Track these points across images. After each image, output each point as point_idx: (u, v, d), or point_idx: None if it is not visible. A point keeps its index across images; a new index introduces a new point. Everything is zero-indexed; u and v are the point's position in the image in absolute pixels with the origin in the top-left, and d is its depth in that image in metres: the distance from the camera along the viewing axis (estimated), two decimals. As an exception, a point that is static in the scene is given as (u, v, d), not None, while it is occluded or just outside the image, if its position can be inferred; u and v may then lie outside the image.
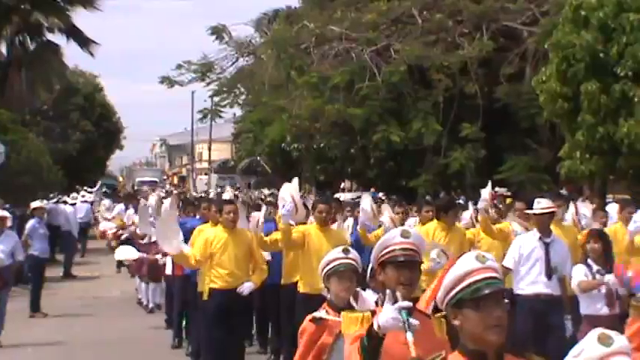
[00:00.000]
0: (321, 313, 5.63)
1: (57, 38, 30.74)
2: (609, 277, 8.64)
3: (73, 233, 25.10)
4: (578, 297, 8.85)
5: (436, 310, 4.32)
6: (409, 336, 3.82)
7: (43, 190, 25.32)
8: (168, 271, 13.86)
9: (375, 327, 4.02)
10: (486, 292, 3.35)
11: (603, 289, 8.62)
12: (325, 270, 5.62)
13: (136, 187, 54.90)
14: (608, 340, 2.95)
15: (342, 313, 4.66)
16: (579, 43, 18.32)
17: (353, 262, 5.55)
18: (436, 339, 4.23)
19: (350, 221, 13.51)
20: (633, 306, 6.04)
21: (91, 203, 30.38)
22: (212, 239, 10.17)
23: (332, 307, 5.54)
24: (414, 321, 3.88)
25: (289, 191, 10.15)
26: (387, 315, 3.97)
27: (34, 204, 18.87)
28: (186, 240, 10.52)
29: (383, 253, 4.48)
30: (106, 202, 28.27)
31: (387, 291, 4.22)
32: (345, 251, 5.66)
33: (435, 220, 11.18)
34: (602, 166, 18.50)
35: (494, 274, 3.42)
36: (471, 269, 3.42)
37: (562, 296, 9.27)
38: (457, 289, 3.42)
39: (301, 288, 10.13)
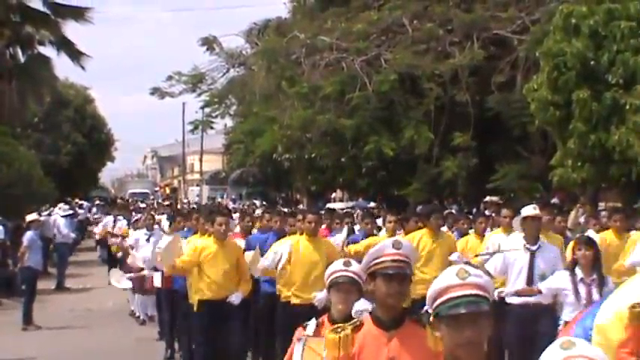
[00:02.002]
0: (311, 324, 5.63)
1: (48, 50, 30.70)
2: (543, 285, 8.76)
3: (67, 245, 25.03)
4: (563, 304, 8.84)
5: None
6: None
7: (34, 203, 25.25)
8: (158, 283, 13.82)
9: None
10: (461, 311, 3.32)
11: (583, 299, 8.57)
12: (327, 281, 5.62)
13: (128, 199, 54.77)
14: (570, 346, 2.93)
15: (326, 333, 4.65)
16: (570, 51, 18.35)
17: (353, 275, 5.53)
18: (426, 350, 4.20)
19: (344, 232, 13.44)
20: (630, 312, 6.03)
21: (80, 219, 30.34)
22: (201, 249, 10.15)
23: (330, 319, 5.54)
24: None
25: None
26: None
27: (31, 217, 18.81)
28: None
29: (373, 263, 4.46)
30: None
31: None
32: (347, 264, 5.65)
33: (425, 229, 11.23)
34: (594, 174, 18.50)
35: (475, 292, 3.37)
36: (449, 285, 3.40)
37: (551, 304, 9.24)
38: (437, 303, 3.41)
39: (292, 299, 10.13)
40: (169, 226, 16.48)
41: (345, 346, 4.33)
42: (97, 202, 41.28)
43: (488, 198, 23.58)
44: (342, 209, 21.48)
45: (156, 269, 14.03)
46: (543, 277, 9.25)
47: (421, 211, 11.91)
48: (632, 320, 5.88)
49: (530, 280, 9.30)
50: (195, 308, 10.22)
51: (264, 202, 32.88)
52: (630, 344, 5.83)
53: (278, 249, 10.34)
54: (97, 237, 22.63)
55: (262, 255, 11.07)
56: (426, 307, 3.62)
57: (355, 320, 4.55)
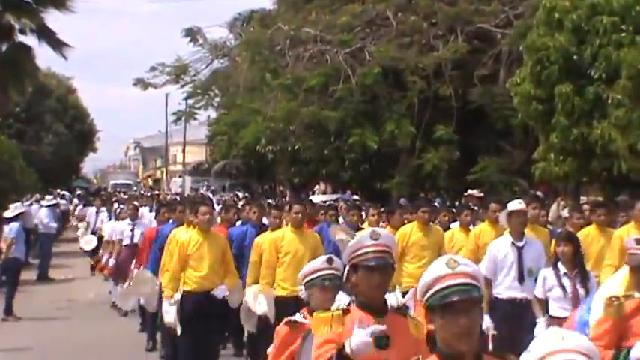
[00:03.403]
0: (297, 317, 5.62)
1: (29, 40, 30.49)
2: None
3: (49, 235, 24.92)
4: (549, 298, 8.89)
5: None
6: None
7: (16, 193, 25.11)
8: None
9: (348, 350, 4.03)
10: (454, 299, 3.33)
11: (569, 292, 8.65)
12: (309, 278, 5.59)
13: (110, 190, 54.60)
14: (559, 338, 2.94)
15: (314, 313, 4.65)
16: (553, 45, 18.41)
17: (337, 273, 5.52)
18: (411, 337, 4.24)
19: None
20: (606, 305, 6.08)
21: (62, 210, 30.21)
22: (187, 243, 10.11)
23: (310, 312, 5.52)
24: (380, 328, 3.89)
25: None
26: (359, 340, 3.98)
27: (17, 209, 18.72)
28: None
29: (354, 255, 4.46)
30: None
31: (357, 321, 4.21)
32: (330, 261, 5.64)
33: (415, 222, 11.28)
34: (575, 168, 18.59)
35: (465, 280, 3.38)
36: (439, 275, 3.40)
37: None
38: (428, 294, 3.41)
39: (277, 291, 10.13)
40: (155, 217, 16.48)
41: (337, 324, 4.35)
42: (79, 192, 41.08)
43: (469, 191, 23.64)
44: (325, 202, 21.42)
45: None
46: (530, 273, 9.31)
47: (409, 205, 11.93)
48: (608, 313, 5.93)
49: (520, 276, 9.34)
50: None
51: (246, 194, 32.83)
52: (606, 338, 5.88)
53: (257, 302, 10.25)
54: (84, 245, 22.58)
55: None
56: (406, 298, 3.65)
57: (342, 305, 4.58)
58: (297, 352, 5.33)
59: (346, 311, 4.43)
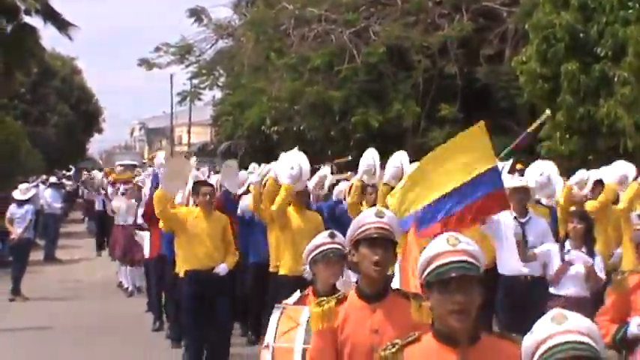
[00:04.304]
0: (295, 295, 5.64)
1: (34, 21, 30.46)
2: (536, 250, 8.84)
3: (54, 216, 24.97)
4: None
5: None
6: None
7: (22, 174, 25.16)
8: (146, 253, 13.81)
9: None
10: (452, 275, 3.33)
11: (573, 271, 8.63)
12: (312, 255, 5.58)
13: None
14: (561, 319, 2.93)
15: (310, 308, 4.64)
16: (559, 23, 18.32)
17: (340, 247, 5.50)
18: (410, 322, 4.19)
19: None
20: (614, 280, 6.11)
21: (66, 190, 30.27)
22: (188, 217, 10.12)
23: (315, 292, 5.52)
24: None
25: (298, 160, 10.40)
26: None
27: (29, 190, 18.74)
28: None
29: (357, 232, 4.44)
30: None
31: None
32: (332, 235, 5.62)
33: None
34: (582, 146, 18.54)
35: (464, 258, 3.37)
36: (439, 252, 3.40)
37: (542, 275, 9.25)
38: (427, 270, 3.41)
39: (281, 270, 10.15)
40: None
41: (328, 319, 4.34)
42: (85, 173, 41.11)
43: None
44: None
45: (141, 228, 14.09)
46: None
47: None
48: (614, 288, 5.95)
49: (524, 253, 9.31)
50: (182, 278, 10.20)
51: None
52: (611, 312, 5.91)
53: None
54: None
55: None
56: None
57: (339, 294, 4.55)
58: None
59: (340, 301, 4.41)
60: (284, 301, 5.72)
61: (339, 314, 4.34)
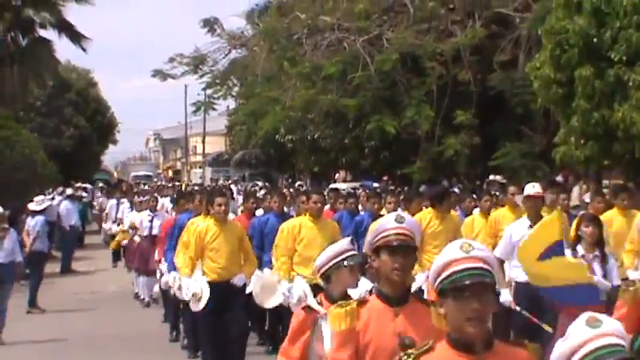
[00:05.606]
0: (312, 303, 5.61)
1: (49, 34, 30.64)
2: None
3: (75, 227, 25.03)
4: None
5: None
6: None
7: (38, 186, 25.23)
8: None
9: None
10: (466, 282, 3.31)
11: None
12: (335, 261, 5.56)
13: (130, 182, 54.89)
14: (596, 323, 2.92)
15: (330, 309, 4.62)
16: (572, 28, 18.26)
17: (359, 255, 5.54)
18: (431, 328, 4.18)
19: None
20: (622, 290, 6.06)
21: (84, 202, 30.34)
22: (204, 232, 10.13)
23: (328, 298, 5.50)
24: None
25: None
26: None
27: (42, 203, 18.81)
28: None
29: (377, 238, 4.43)
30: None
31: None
32: (352, 242, 5.67)
33: (430, 208, 11.15)
34: (597, 152, 18.45)
35: (478, 265, 3.36)
36: (453, 258, 3.38)
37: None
38: (440, 277, 3.40)
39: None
40: (172, 208, 16.52)
41: (350, 319, 4.31)
42: (100, 185, 41.24)
43: (491, 177, 23.56)
44: (344, 189, 21.38)
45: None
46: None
47: (431, 194, 11.78)
48: (624, 299, 5.90)
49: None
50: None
51: (266, 184, 32.86)
52: (623, 323, 5.85)
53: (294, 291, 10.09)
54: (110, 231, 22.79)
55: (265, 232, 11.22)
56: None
57: (361, 297, 4.54)
58: (308, 342, 5.34)
59: (362, 303, 4.40)
60: (321, 311, 5.59)
61: (362, 316, 4.32)
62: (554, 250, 8.04)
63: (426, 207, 11.67)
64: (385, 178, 28.09)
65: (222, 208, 10.10)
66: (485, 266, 3.38)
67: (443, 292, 3.38)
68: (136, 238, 17.21)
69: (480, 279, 3.33)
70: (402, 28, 28.86)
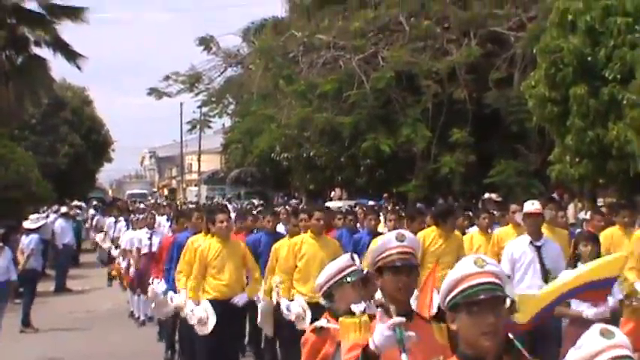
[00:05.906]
0: (322, 323, 5.59)
1: (44, 52, 30.66)
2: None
3: (69, 246, 24.96)
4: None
5: (440, 312, 4.30)
6: (404, 357, 3.79)
7: (32, 205, 25.19)
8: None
9: (372, 347, 3.98)
10: (481, 297, 3.32)
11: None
12: (338, 277, 5.57)
13: (126, 200, 54.78)
14: (609, 334, 2.93)
15: (340, 319, 4.63)
16: (567, 47, 18.34)
17: (361, 270, 5.54)
18: (436, 344, 4.20)
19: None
20: (626, 306, 6.06)
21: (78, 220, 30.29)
22: (207, 251, 10.08)
23: (333, 315, 5.50)
24: (409, 334, 3.85)
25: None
26: (381, 334, 3.94)
27: (37, 221, 18.78)
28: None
29: (379, 258, 4.44)
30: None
31: (378, 309, 4.17)
32: (353, 258, 5.67)
33: (434, 227, 11.13)
34: (592, 170, 18.49)
35: (492, 279, 3.37)
36: (467, 273, 3.39)
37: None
38: (453, 292, 3.39)
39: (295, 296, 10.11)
40: (170, 227, 16.47)
41: (365, 329, 4.32)
42: (95, 203, 41.14)
43: (487, 195, 23.55)
44: (340, 207, 21.34)
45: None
46: (549, 273, 9.24)
47: (435, 212, 11.76)
48: (629, 315, 5.91)
49: (544, 274, 9.25)
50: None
51: (262, 202, 32.83)
52: (630, 339, 5.84)
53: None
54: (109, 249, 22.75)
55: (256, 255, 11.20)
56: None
57: (368, 312, 4.55)
58: (331, 354, 5.31)
59: (373, 317, 4.41)
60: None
61: (372, 329, 4.32)
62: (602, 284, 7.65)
63: (428, 225, 11.65)
64: (385, 195, 28.07)
65: (225, 224, 10.04)
66: (498, 281, 3.40)
67: (456, 306, 3.38)
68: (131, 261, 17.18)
69: (494, 293, 3.34)
70: (397, 46, 28.94)
